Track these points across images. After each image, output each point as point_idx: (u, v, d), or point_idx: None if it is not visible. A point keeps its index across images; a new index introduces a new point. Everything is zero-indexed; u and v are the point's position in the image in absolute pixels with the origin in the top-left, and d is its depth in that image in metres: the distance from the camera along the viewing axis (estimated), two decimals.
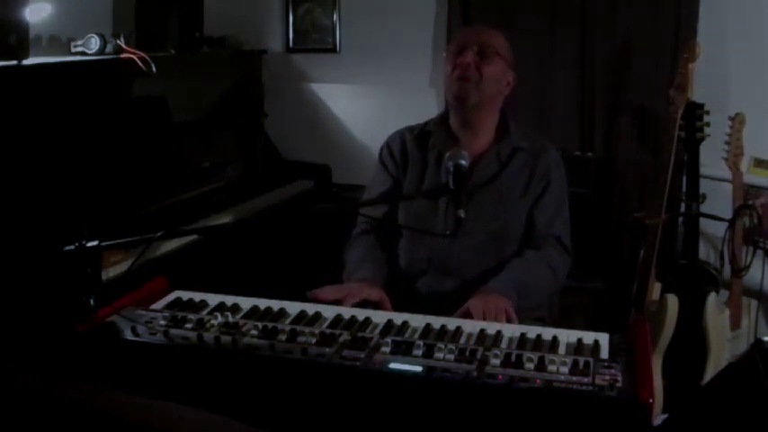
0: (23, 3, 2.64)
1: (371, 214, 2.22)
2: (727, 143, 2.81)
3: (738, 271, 2.83)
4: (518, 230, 2.12)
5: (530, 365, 1.41)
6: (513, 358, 1.43)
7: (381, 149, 2.27)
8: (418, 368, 1.42)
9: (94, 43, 2.98)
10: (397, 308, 1.89)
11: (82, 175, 2.63)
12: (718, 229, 2.83)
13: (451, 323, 1.65)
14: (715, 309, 2.69)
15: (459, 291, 2.06)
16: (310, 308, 1.73)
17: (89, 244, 1.62)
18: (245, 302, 1.76)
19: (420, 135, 2.22)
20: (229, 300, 1.78)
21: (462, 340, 1.58)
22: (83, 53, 3.00)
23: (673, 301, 2.63)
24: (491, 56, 2.09)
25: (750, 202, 2.84)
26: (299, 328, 1.57)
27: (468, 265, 2.09)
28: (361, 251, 2.16)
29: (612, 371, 1.39)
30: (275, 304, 1.74)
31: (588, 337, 1.56)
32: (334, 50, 3.90)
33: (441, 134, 2.18)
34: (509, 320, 1.82)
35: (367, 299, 1.92)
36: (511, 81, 2.16)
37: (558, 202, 2.15)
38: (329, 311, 1.72)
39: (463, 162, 1.83)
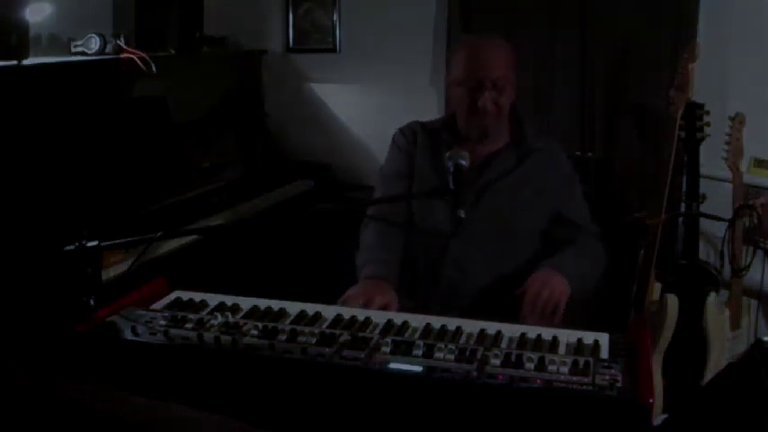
0: (23, 3, 2.64)
1: (389, 193, 2.22)
2: (728, 143, 2.81)
3: (738, 271, 2.83)
4: (533, 229, 2.13)
5: (530, 365, 1.41)
6: (513, 358, 1.43)
7: (395, 135, 2.28)
8: (418, 368, 1.42)
9: (94, 43, 2.98)
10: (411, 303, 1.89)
11: (82, 175, 2.63)
12: (718, 229, 2.83)
13: (451, 323, 1.65)
14: (715, 309, 2.68)
15: (470, 290, 2.07)
16: (310, 308, 1.73)
17: (89, 244, 1.62)
18: (245, 302, 1.76)
19: (431, 131, 2.23)
20: (229, 300, 1.78)
21: (462, 340, 1.58)
22: (83, 53, 3.00)
23: (673, 301, 2.63)
24: (504, 87, 2.09)
25: (750, 202, 2.83)
26: (299, 328, 1.57)
27: (479, 264, 2.09)
28: (373, 237, 2.14)
29: (612, 371, 1.39)
30: (275, 304, 1.74)
31: (588, 337, 1.56)
32: (334, 50, 3.90)
33: (450, 136, 2.18)
34: (555, 312, 1.87)
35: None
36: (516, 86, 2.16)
37: (576, 192, 2.21)
38: (329, 311, 1.72)
39: (463, 162, 1.83)
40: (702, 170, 2.72)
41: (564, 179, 2.18)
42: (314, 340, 1.51)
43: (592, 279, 2.10)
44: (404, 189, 2.20)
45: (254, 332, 1.54)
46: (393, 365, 1.43)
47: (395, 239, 2.13)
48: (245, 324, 1.58)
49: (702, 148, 2.71)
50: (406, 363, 1.44)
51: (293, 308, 1.73)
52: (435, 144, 2.19)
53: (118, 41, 3.03)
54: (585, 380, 1.36)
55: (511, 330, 1.62)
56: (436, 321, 1.65)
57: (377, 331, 1.61)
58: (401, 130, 2.27)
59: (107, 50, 3.01)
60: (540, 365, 1.41)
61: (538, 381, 1.37)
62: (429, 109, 3.43)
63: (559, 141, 2.38)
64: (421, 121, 2.28)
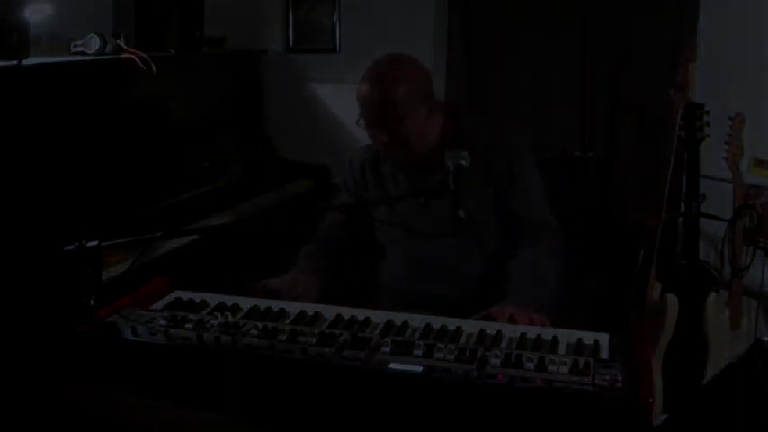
0: (23, 3, 2.64)
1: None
2: (727, 143, 2.81)
3: (738, 271, 2.83)
4: (490, 220, 2.10)
5: (530, 365, 1.41)
6: (513, 358, 1.43)
7: (344, 171, 2.32)
8: (418, 368, 1.42)
9: (94, 43, 2.98)
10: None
11: (82, 175, 2.63)
12: (718, 229, 2.83)
13: (451, 323, 1.65)
14: (715, 309, 2.68)
15: (448, 292, 2.06)
16: (310, 308, 1.73)
17: (89, 244, 1.62)
18: (245, 302, 1.76)
19: (376, 153, 2.22)
20: (229, 300, 1.78)
21: (462, 340, 1.58)
22: (83, 53, 3.00)
23: (673, 301, 2.63)
24: (396, 119, 2.02)
25: (750, 202, 2.84)
26: (299, 328, 1.57)
27: (454, 265, 2.09)
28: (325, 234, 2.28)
29: (612, 371, 1.39)
30: (275, 304, 1.74)
31: (588, 337, 1.56)
32: (334, 50, 3.90)
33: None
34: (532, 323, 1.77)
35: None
36: (431, 102, 2.09)
37: (531, 185, 2.12)
38: (329, 311, 1.72)
39: (463, 162, 1.83)
40: (702, 170, 2.72)
41: (508, 169, 2.08)
42: (314, 340, 1.51)
43: (549, 297, 1.97)
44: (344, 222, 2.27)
45: (254, 332, 1.55)
46: (393, 365, 1.43)
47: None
48: (245, 324, 1.58)
49: (702, 148, 2.70)
50: (406, 363, 1.44)
51: (293, 308, 1.73)
52: (379, 163, 2.21)
53: (118, 41, 3.03)
54: (585, 380, 1.36)
55: (511, 330, 1.62)
56: (436, 321, 1.65)
57: (377, 331, 1.61)
58: (350, 166, 2.29)
59: (107, 50, 3.00)
60: (540, 365, 1.41)
61: (538, 381, 1.37)
62: None
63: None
64: (368, 145, 2.26)
